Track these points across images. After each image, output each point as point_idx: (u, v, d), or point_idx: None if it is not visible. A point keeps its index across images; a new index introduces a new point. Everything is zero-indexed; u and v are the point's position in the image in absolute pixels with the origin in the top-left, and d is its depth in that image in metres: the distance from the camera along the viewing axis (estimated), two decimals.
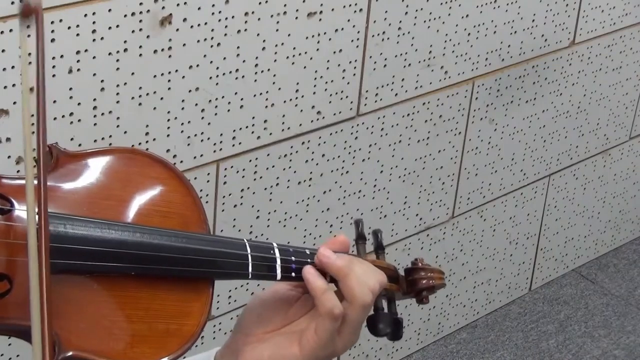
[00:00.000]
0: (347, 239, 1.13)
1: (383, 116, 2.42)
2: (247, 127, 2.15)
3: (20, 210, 0.97)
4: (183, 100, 2.02)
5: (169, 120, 2.01)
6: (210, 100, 2.06)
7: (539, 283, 3.15)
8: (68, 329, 0.95)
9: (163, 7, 1.90)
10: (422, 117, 2.51)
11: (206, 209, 1.10)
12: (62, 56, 1.81)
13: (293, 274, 1.08)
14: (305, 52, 2.18)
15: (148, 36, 1.91)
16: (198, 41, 1.98)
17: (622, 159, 3.21)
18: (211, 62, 2.02)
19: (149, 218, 1.05)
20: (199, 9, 1.96)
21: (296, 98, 2.21)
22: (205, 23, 1.98)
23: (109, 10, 1.83)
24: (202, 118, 2.06)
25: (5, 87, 1.76)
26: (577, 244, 3.23)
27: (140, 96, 1.95)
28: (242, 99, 2.11)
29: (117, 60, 1.88)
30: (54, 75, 1.81)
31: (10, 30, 1.73)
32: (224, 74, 2.06)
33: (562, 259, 3.20)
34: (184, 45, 1.97)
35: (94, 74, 1.86)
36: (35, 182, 0.92)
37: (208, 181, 2.13)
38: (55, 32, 1.78)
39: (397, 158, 2.51)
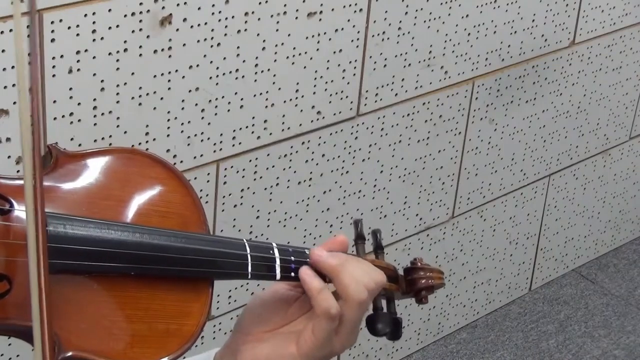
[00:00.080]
0: (346, 238, 1.14)
1: (383, 116, 2.42)
2: (247, 127, 2.15)
3: (20, 211, 0.97)
4: (183, 100, 2.02)
5: (169, 120, 2.01)
6: (210, 100, 2.06)
7: (539, 283, 3.15)
8: (68, 329, 0.95)
9: (163, 7, 1.90)
10: (422, 117, 2.51)
11: (206, 209, 1.10)
12: (62, 56, 1.81)
13: (292, 274, 1.08)
14: (305, 52, 2.18)
15: (148, 36, 1.91)
16: (198, 41, 1.98)
17: (622, 159, 3.21)
18: (211, 62, 2.02)
19: (149, 218, 1.05)
20: (199, 9, 1.96)
21: (296, 98, 2.21)
22: (205, 23, 1.98)
23: (109, 10, 1.83)
24: (202, 118, 2.06)
25: (5, 87, 1.76)
26: (577, 244, 3.23)
27: (140, 96, 1.95)
28: (242, 99, 2.11)
29: (117, 60, 1.88)
30: (54, 75, 1.81)
31: (10, 30, 1.73)
32: (224, 74, 2.06)
33: (562, 259, 3.20)
34: (184, 45, 1.97)
35: (94, 74, 1.86)
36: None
37: (208, 181, 2.13)
38: (55, 32, 1.78)
39: (397, 158, 2.51)
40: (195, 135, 2.07)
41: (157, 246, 1.01)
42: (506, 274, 3.02)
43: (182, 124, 2.03)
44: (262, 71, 2.12)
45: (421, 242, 2.70)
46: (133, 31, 1.88)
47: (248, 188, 2.22)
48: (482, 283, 2.96)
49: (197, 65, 2.00)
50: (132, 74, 1.91)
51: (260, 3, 2.05)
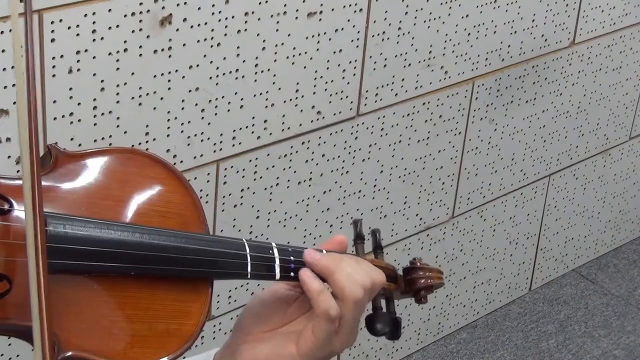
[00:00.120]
0: (345, 238, 1.14)
1: (383, 116, 2.42)
2: (247, 127, 2.15)
3: (19, 211, 0.97)
4: (183, 100, 2.02)
5: (169, 120, 2.01)
6: (210, 100, 2.06)
7: (539, 283, 3.15)
8: (68, 329, 0.96)
9: (163, 7, 1.91)
10: (422, 117, 2.51)
11: (206, 209, 1.10)
12: (62, 56, 1.81)
13: (292, 274, 1.08)
14: (305, 52, 2.18)
15: (148, 36, 1.91)
16: (198, 41, 1.98)
17: (622, 159, 3.21)
18: (211, 62, 2.02)
19: (148, 218, 1.05)
20: (199, 9, 1.96)
21: (296, 98, 2.21)
22: (205, 23, 1.98)
23: (109, 10, 1.83)
24: (202, 118, 2.06)
25: (5, 87, 1.76)
26: (577, 244, 3.23)
27: (140, 96, 1.95)
28: (242, 99, 2.11)
29: (117, 60, 1.88)
30: (54, 75, 1.81)
31: (10, 30, 1.73)
32: (224, 74, 2.06)
33: (562, 259, 3.21)
34: (184, 45, 1.97)
35: (94, 74, 1.86)
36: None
37: (208, 181, 2.14)
38: (55, 32, 1.78)
39: (397, 158, 2.51)
40: (195, 135, 2.07)
41: (157, 246, 1.01)
42: (506, 274, 3.02)
43: (182, 124, 2.03)
44: (262, 71, 2.12)
45: (421, 242, 2.70)
46: (133, 31, 1.88)
47: (248, 188, 2.22)
48: (482, 283, 2.96)
49: (197, 65, 2.00)
50: (132, 74, 1.91)
51: (260, 3, 2.05)
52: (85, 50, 1.83)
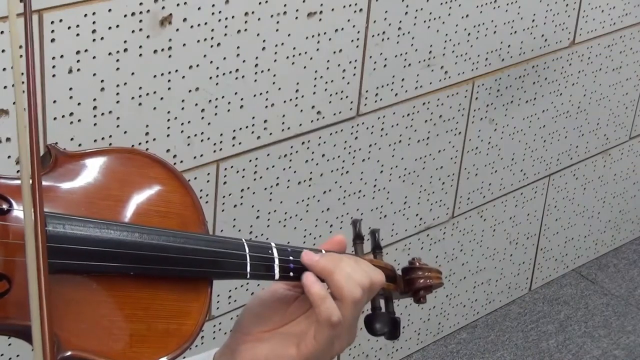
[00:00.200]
0: (344, 238, 1.14)
1: (383, 116, 2.42)
2: (247, 127, 2.15)
3: (19, 211, 0.97)
4: (183, 100, 2.02)
5: (169, 120, 2.01)
6: (210, 100, 2.06)
7: (539, 283, 3.16)
8: (67, 329, 0.96)
9: (163, 7, 1.91)
10: (422, 117, 2.51)
11: (206, 209, 1.10)
12: (62, 56, 1.81)
13: (291, 274, 1.09)
14: (305, 52, 2.18)
15: (148, 36, 1.91)
16: (198, 41, 1.99)
17: (622, 159, 3.21)
18: (211, 62, 2.03)
19: (148, 218, 1.05)
20: (199, 9, 1.96)
21: (296, 98, 2.21)
22: (205, 23, 1.98)
23: (109, 10, 1.83)
24: (202, 118, 2.06)
25: (5, 87, 1.76)
26: (577, 244, 3.23)
27: (140, 96, 1.95)
28: (242, 99, 2.11)
29: (117, 60, 1.88)
30: (54, 75, 1.81)
31: (8, 31, 1.73)
32: (224, 74, 2.06)
33: (562, 259, 3.21)
34: (184, 45, 1.97)
35: (94, 74, 1.87)
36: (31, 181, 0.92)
37: (208, 181, 2.14)
38: (55, 32, 1.78)
39: (397, 158, 2.51)
40: (195, 135, 2.07)
41: (157, 246, 1.01)
42: (506, 274, 3.02)
43: (182, 124, 2.03)
44: (262, 71, 2.12)
45: (421, 242, 2.70)
46: (133, 31, 1.88)
47: (248, 188, 2.22)
48: (482, 283, 2.96)
49: (197, 65, 2.01)
50: (132, 74, 1.92)
51: (260, 3, 2.05)
52: (85, 50, 1.83)
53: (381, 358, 2.76)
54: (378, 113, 2.41)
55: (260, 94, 2.14)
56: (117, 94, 1.91)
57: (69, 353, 0.94)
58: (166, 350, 1.01)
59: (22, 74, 0.91)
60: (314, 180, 2.35)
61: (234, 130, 2.13)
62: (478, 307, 2.98)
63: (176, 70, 1.98)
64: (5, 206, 0.97)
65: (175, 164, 2.02)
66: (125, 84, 1.91)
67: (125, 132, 1.95)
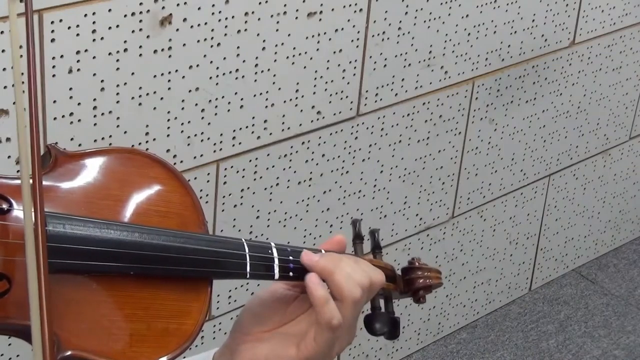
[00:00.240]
0: (344, 238, 1.14)
1: (383, 116, 2.42)
2: (247, 127, 2.15)
3: (19, 210, 0.97)
4: (183, 100, 2.02)
5: (169, 120, 2.01)
6: (210, 100, 2.06)
7: (539, 283, 3.16)
8: (67, 329, 0.96)
9: (163, 7, 1.91)
10: (422, 117, 2.51)
11: (206, 209, 1.10)
12: (62, 56, 1.81)
13: (291, 274, 1.09)
14: (305, 52, 2.18)
15: (148, 36, 1.91)
16: (198, 41, 1.99)
17: (622, 159, 3.21)
18: (211, 62, 2.03)
19: (148, 218, 1.05)
20: (199, 9, 1.96)
21: (296, 98, 2.21)
22: (205, 23, 1.98)
23: (109, 10, 1.83)
24: (202, 118, 2.06)
25: (5, 87, 1.76)
26: (577, 244, 3.23)
27: (140, 96, 1.95)
28: (242, 99, 2.12)
29: (117, 60, 1.88)
30: (54, 75, 1.81)
31: (10, 30, 1.73)
32: (224, 74, 2.06)
33: (562, 259, 3.21)
34: (184, 45, 1.97)
35: (94, 74, 1.87)
36: (31, 181, 0.92)
37: (208, 181, 2.14)
38: (55, 32, 1.78)
39: (397, 158, 2.51)
40: (195, 135, 2.07)
41: (157, 246, 1.01)
42: (506, 274, 3.02)
43: (182, 124, 2.03)
44: (262, 71, 2.12)
45: (421, 242, 2.70)
46: (133, 31, 1.88)
47: (248, 188, 2.22)
48: (482, 283, 2.96)
49: (197, 65, 2.01)
50: (132, 74, 1.92)
51: (260, 3, 2.05)
52: (85, 50, 1.83)
53: (381, 358, 2.76)
54: (378, 113, 2.41)
55: (260, 94, 2.14)
56: (117, 94, 1.91)
57: (69, 353, 0.94)
58: (166, 350, 1.01)
59: (22, 74, 0.91)
60: (314, 180, 2.35)
61: (234, 130, 2.13)
62: (478, 307, 2.98)
63: (176, 70, 1.98)
64: (5, 206, 0.97)
65: (175, 164, 2.03)
66: (125, 84, 1.91)
67: (125, 132, 1.95)
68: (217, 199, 2.17)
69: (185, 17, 1.94)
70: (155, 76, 1.95)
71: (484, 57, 2.58)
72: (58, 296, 0.95)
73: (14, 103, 1.76)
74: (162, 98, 1.98)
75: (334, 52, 2.24)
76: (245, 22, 2.05)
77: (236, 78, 2.08)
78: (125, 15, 1.86)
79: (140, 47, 1.91)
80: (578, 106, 2.94)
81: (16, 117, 0.88)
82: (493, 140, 2.74)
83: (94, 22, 1.82)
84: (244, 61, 2.08)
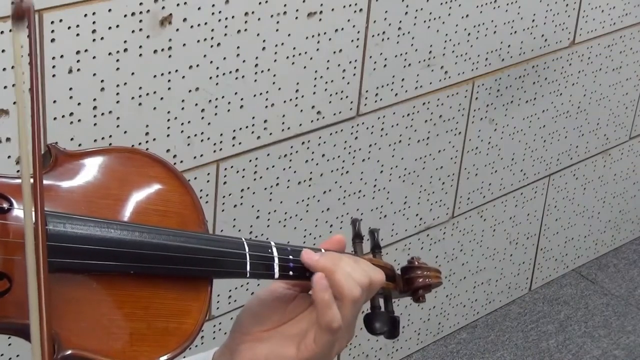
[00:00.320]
0: (343, 238, 1.14)
1: (383, 116, 2.42)
2: (247, 127, 2.15)
3: (20, 210, 0.97)
4: (183, 100, 2.02)
5: (169, 120, 2.01)
6: (210, 100, 2.06)
7: (539, 283, 3.16)
8: (68, 328, 0.96)
9: (163, 7, 1.91)
10: (422, 117, 2.52)
11: (206, 209, 1.10)
12: (62, 56, 1.81)
13: (291, 273, 1.09)
14: (305, 52, 2.18)
15: (148, 36, 1.91)
16: (198, 41, 1.99)
17: (622, 159, 3.21)
18: (211, 62, 2.03)
19: (148, 217, 1.05)
20: (199, 9, 1.96)
21: (296, 98, 2.22)
22: (205, 23, 1.98)
23: (109, 10, 1.84)
24: (202, 118, 2.06)
25: (5, 87, 1.76)
26: (577, 244, 3.23)
27: (140, 96, 1.95)
28: (242, 99, 2.12)
29: (117, 60, 1.89)
30: (54, 75, 1.81)
31: (10, 30, 1.73)
32: (224, 74, 2.06)
33: (562, 259, 3.21)
34: (184, 45, 1.97)
35: (94, 74, 1.87)
36: (32, 181, 0.92)
37: (208, 181, 2.14)
38: (55, 32, 1.78)
39: (397, 158, 2.51)
40: (195, 135, 2.07)
41: (157, 245, 1.02)
42: (506, 274, 3.02)
43: (182, 124, 2.04)
44: (262, 71, 2.12)
45: (421, 242, 2.70)
46: (133, 31, 1.88)
47: (248, 188, 2.22)
48: (482, 283, 2.96)
49: (197, 65, 2.01)
50: (132, 74, 1.92)
51: (260, 3, 2.05)
52: (85, 50, 1.84)
53: (381, 358, 2.76)
54: (378, 113, 2.41)
55: (260, 94, 2.14)
56: (117, 94, 1.91)
57: (69, 352, 0.94)
58: (166, 349, 1.01)
59: (23, 73, 0.91)
60: (314, 180, 2.35)
61: (234, 130, 2.13)
62: (478, 307, 2.98)
63: (176, 70, 1.98)
64: (5, 205, 0.97)
65: (175, 164, 2.03)
66: (125, 84, 1.91)
67: (125, 132, 1.95)
68: (217, 199, 2.17)
69: (185, 17, 1.95)
70: (155, 76, 1.95)
71: (484, 57, 2.58)
72: (58, 295, 0.95)
73: (14, 103, 1.76)
74: (162, 98, 1.98)
75: (334, 52, 2.24)
76: (245, 22, 2.05)
77: (236, 78, 2.08)
78: (125, 15, 1.86)
79: (140, 47, 1.91)
80: (578, 106, 2.94)
81: (17, 116, 0.88)
82: (493, 140, 2.74)
83: (94, 22, 1.83)
84: (244, 61, 2.08)
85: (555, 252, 3.16)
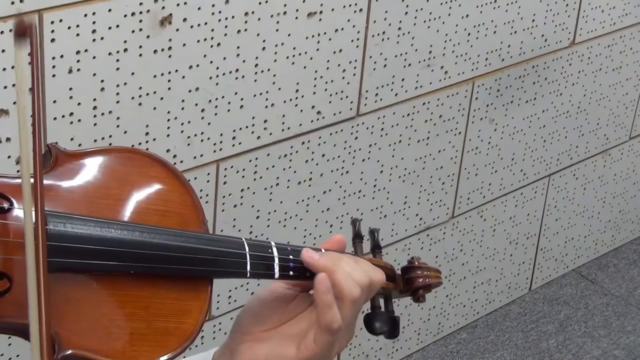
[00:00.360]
0: (343, 238, 1.14)
1: (383, 116, 2.42)
2: (247, 127, 2.15)
3: (20, 209, 0.97)
4: (183, 100, 2.02)
5: (169, 120, 2.01)
6: (210, 100, 2.06)
7: (539, 283, 3.16)
8: (68, 328, 0.96)
9: (163, 7, 1.91)
10: (422, 117, 2.52)
11: (206, 209, 1.11)
12: (62, 56, 1.81)
13: (291, 273, 1.09)
14: (305, 52, 2.19)
15: (148, 36, 1.91)
16: (198, 41, 1.99)
17: (622, 159, 3.21)
18: (211, 62, 2.03)
19: (148, 217, 1.05)
20: (199, 9, 1.96)
21: (296, 98, 2.22)
22: (205, 23, 1.98)
23: (109, 10, 1.84)
24: (202, 118, 2.07)
25: (5, 87, 1.76)
26: (577, 244, 3.23)
27: (140, 96, 1.95)
28: (242, 99, 2.12)
29: (117, 60, 1.89)
30: (54, 75, 1.81)
31: (10, 30, 1.73)
32: (224, 74, 2.06)
33: (562, 259, 3.21)
34: (184, 45, 1.97)
35: (94, 74, 1.87)
36: (32, 180, 0.92)
37: (208, 181, 2.14)
38: (55, 32, 1.78)
39: (397, 158, 2.51)
40: (195, 135, 2.07)
41: (157, 245, 1.02)
42: (506, 274, 3.03)
43: (182, 124, 2.04)
44: (262, 71, 2.12)
45: (421, 242, 2.70)
46: (133, 31, 1.88)
47: (248, 188, 2.22)
48: (482, 283, 2.96)
49: (197, 65, 2.01)
50: (132, 74, 1.92)
51: (260, 3, 2.05)
52: (85, 50, 1.84)
53: (381, 358, 2.76)
54: (378, 113, 2.41)
55: (260, 94, 2.14)
56: (117, 94, 1.91)
57: (69, 352, 0.94)
58: (166, 349, 1.01)
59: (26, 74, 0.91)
60: (314, 180, 2.35)
61: (234, 130, 2.13)
62: (478, 307, 2.98)
63: (176, 70, 1.98)
64: (5, 205, 0.97)
65: (175, 164, 2.03)
66: (125, 84, 1.91)
67: (125, 132, 1.95)
68: (217, 199, 2.17)
69: (185, 17, 1.95)
70: (155, 76, 1.95)
71: (484, 57, 2.58)
72: (58, 295, 0.95)
73: (14, 103, 1.77)
74: (162, 98, 1.98)
75: (334, 52, 2.24)
76: (245, 22, 2.05)
77: (236, 78, 2.08)
78: (125, 15, 1.86)
79: (140, 47, 1.91)
80: (578, 106, 2.94)
81: (17, 116, 0.88)
82: (493, 140, 2.74)
83: (94, 22, 1.83)
84: (244, 61, 2.08)
85: (555, 252, 3.16)
